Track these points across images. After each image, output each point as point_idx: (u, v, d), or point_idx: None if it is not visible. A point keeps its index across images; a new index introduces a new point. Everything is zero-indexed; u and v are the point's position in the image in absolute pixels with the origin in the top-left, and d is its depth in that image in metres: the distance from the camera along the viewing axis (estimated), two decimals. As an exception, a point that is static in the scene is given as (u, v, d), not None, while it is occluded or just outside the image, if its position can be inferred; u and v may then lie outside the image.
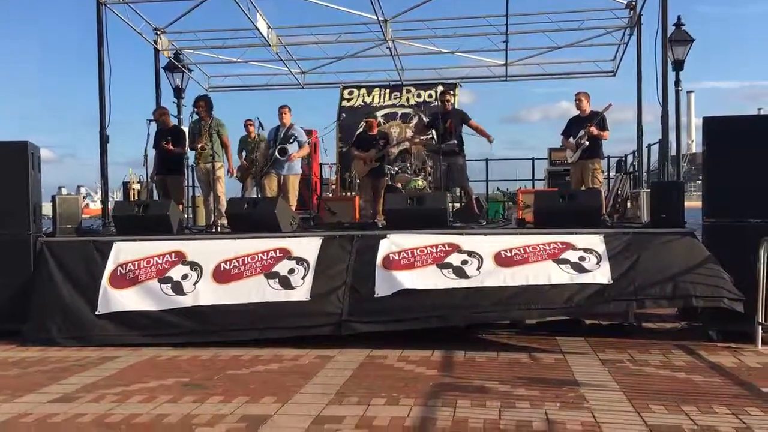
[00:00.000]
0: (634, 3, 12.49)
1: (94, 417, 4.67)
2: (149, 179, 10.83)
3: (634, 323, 7.63)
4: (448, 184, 10.54)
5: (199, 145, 10.27)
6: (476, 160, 16.82)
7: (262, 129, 11.05)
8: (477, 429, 4.23)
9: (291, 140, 10.48)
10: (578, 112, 10.17)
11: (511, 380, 5.45)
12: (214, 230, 9.53)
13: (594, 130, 9.75)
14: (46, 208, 8.49)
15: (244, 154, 11.71)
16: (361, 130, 11.79)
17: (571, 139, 10.10)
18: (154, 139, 10.54)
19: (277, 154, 10.39)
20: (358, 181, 12.41)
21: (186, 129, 10.69)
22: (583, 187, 9.88)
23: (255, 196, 10.99)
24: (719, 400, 4.83)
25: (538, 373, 5.72)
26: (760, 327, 6.56)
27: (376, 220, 10.01)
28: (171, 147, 10.40)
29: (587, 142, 9.82)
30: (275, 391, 5.25)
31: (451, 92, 11.05)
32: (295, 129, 10.70)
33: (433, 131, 10.75)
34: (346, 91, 15.96)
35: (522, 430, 4.21)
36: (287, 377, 5.72)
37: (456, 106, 15.33)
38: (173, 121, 11.62)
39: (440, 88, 15.51)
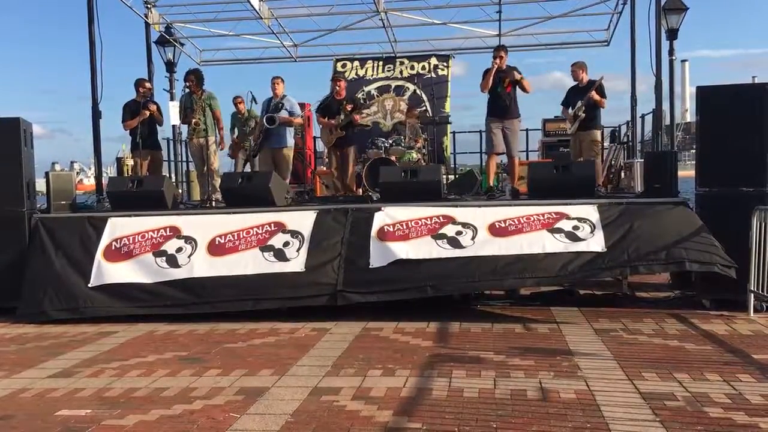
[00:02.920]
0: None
1: (93, 391, 4.71)
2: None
3: (628, 293, 7.71)
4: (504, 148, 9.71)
5: (193, 120, 10.20)
6: (469, 132, 16.80)
7: (255, 103, 10.96)
8: (472, 399, 4.29)
9: (279, 109, 10.38)
10: (576, 83, 10.06)
11: (505, 350, 5.50)
12: (208, 205, 9.53)
13: (595, 95, 9.66)
14: (40, 185, 8.47)
15: (236, 131, 11.64)
16: (329, 94, 10.91)
17: (570, 110, 10.00)
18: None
19: (265, 122, 10.27)
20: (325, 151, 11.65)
21: (177, 103, 10.59)
22: (581, 159, 9.82)
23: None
24: (711, 367, 4.89)
25: (532, 343, 5.77)
26: (752, 295, 6.63)
27: (339, 195, 9.71)
28: (152, 109, 10.28)
29: (583, 114, 9.74)
30: (272, 363, 5.30)
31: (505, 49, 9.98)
32: (287, 99, 10.55)
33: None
34: (339, 64, 15.82)
35: (516, 399, 4.27)
36: (284, 350, 5.76)
37: (449, 78, 15.31)
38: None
39: (434, 60, 15.43)
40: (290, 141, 10.79)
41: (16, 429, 4.04)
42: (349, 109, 10.41)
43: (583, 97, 9.73)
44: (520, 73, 9.49)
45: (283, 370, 5.10)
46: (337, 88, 10.70)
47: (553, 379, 4.66)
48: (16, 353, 5.99)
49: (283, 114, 10.39)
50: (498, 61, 9.43)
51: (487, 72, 9.54)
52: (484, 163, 14.78)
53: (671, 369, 4.84)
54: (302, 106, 14.16)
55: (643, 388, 4.41)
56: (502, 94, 9.45)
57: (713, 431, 3.68)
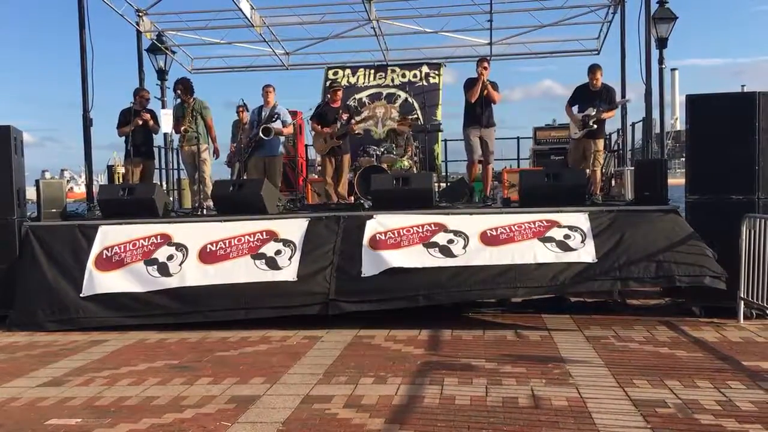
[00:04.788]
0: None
1: (83, 400, 4.69)
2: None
3: (619, 300, 7.72)
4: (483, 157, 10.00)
5: (182, 128, 10.22)
6: (460, 140, 16.79)
7: (247, 111, 10.97)
8: (464, 406, 4.29)
9: (274, 119, 10.39)
10: (587, 81, 9.81)
11: (497, 358, 5.51)
12: (200, 213, 9.51)
13: (610, 114, 9.65)
14: (30, 193, 8.43)
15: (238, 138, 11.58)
16: (322, 101, 10.88)
17: (575, 110, 9.80)
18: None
19: (261, 134, 10.29)
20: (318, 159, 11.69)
21: (169, 111, 10.59)
22: (582, 166, 9.78)
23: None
24: (702, 374, 4.91)
25: (524, 351, 5.78)
26: (742, 302, 6.66)
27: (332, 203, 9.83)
28: (146, 118, 10.24)
29: (596, 126, 9.62)
30: (264, 371, 5.28)
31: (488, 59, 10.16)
32: (279, 109, 10.58)
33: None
34: (330, 72, 15.85)
35: (508, 406, 4.27)
36: (275, 358, 5.75)
37: (441, 86, 15.37)
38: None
39: (425, 68, 15.48)
40: (281, 149, 10.84)
41: (6, 438, 4.02)
42: (345, 117, 10.41)
43: (595, 101, 9.62)
44: (494, 86, 9.71)
45: (274, 378, 5.09)
46: (329, 96, 10.68)
47: (544, 387, 4.67)
48: (6, 362, 5.96)
49: (277, 124, 10.41)
50: (483, 71, 9.59)
51: (474, 82, 9.62)
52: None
53: (662, 376, 4.85)
54: (294, 114, 14.19)
55: (634, 395, 4.42)
56: (482, 104, 9.66)
57: (704, 438, 3.70)
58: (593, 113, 9.58)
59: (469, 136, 9.83)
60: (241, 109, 11.53)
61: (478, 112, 9.71)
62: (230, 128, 12.73)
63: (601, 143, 10.02)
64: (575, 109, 9.85)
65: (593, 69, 9.76)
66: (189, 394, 4.77)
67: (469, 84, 9.71)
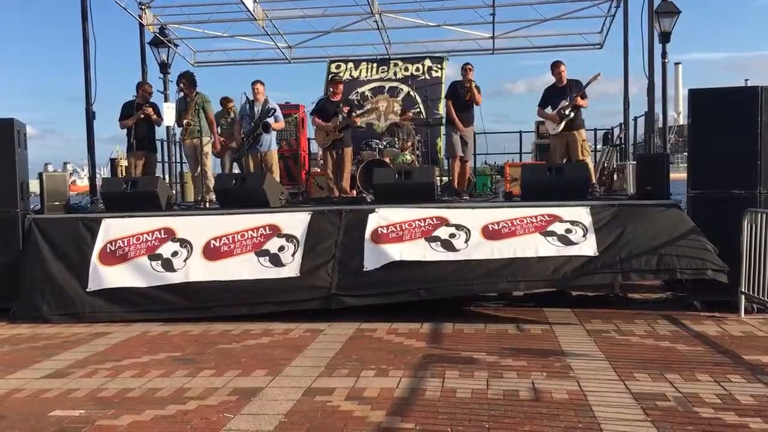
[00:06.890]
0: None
1: (86, 392, 4.72)
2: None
3: (620, 294, 7.74)
4: (463, 153, 10.52)
5: (185, 121, 10.24)
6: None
7: (248, 105, 10.96)
8: (465, 399, 4.31)
9: (270, 114, 10.41)
10: (554, 81, 9.89)
11: (498, 351, 5.53)
12: (202, 206, 9.53)
13: (581, 101, 9.65)
14: (33, 185, 8.45)
15: (218, 130, 11.56)
16: (324, 96, 10.96)
17: (548, 110, 9.84)
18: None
19: (262, 130, 10.30)
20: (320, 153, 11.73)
21: (171, 104, 10.59)
22: (567, 159, 9.79)
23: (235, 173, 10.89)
24: (702, 368, 4.93)
25: (525, 344, 5.80)
26: (743, 296, 6.67)
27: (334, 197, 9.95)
28: (148, 111, 10.23)
29: (572, 114, 9.69)
30: (266, 364, 5.31)
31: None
32: (271, 103, 10.63)
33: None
34: (333, 66, 15.83)
35: (509, 399, 4.29)
36: (278, 351, 5.78)
37: (443, 80, 15.35)
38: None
39: (428, 62, 15.45)
40: (275, 144, 10.92)
41: (10, 429, 4.04)
42: (347, 111, 10.41)
43: (565, 96, 9.63)
44: (478, 89, 10.33)
45: (276, 370, 5.12)
46: (332, 89, 10.73)
47: (545, 380, 4.69)
48: (10, 354, 5.99)
49: (271, 120, 10.46)
50: (470, 74, 10.23)
51: (462, 88, 10.29)
52: (480, 165, 14.93)
53: (662, 370, 4.87)
54: (296, 107, 14.21)
55: (634, 389, 4.44)
56: (465, 105, 10.32)
57: (703, 431, 3.71)
58: (566, 103, 9.62)
59: (450, 135, 10.47)
60: (228, 100, 11.58)
61: (462, 113, 10.31)
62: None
63: (583, 133, 10.04)
64: (548, 110, 9.90)
65: (555, 65, 9.85)
66: (192, 386, 4.79)
67: (456, 90, 10.39)
